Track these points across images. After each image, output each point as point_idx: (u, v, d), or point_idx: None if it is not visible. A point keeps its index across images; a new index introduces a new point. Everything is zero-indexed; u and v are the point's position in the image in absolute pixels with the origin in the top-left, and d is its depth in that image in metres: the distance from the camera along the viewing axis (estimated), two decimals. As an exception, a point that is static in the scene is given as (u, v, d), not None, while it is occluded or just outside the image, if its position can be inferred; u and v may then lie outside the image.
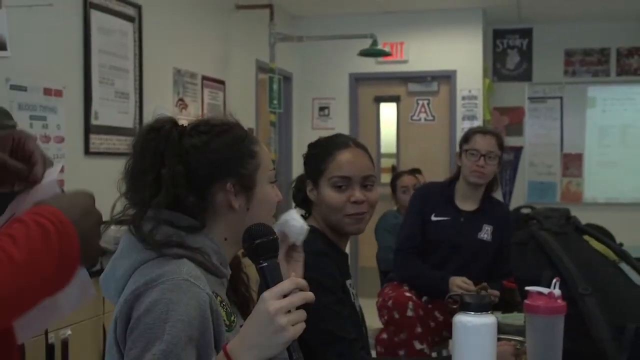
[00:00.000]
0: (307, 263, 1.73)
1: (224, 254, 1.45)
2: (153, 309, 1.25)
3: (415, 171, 5.47)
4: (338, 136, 2.15)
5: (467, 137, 3.40)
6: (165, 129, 1.44)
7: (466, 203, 3.38)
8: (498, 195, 8.16)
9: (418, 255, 3.36)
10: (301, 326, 1.24)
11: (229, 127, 1.48)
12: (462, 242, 3.31)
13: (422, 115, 7.98)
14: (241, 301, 1.58)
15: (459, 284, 3.13)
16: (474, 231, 3.32)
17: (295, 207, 2.17)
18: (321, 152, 2.08)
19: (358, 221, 2.04)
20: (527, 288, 1.57)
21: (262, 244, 1.30)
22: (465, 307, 1.40)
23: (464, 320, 1.40)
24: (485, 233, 3.32)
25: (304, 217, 2.13)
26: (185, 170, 1.40)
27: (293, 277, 1.29)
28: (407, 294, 3.22)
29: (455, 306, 1.51)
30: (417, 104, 7.98)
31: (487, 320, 1.39)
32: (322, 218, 2.07)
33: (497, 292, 3.00)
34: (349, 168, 2.03)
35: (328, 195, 2.03)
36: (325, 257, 1.98)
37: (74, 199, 1.01)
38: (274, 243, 1.32)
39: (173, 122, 1.47)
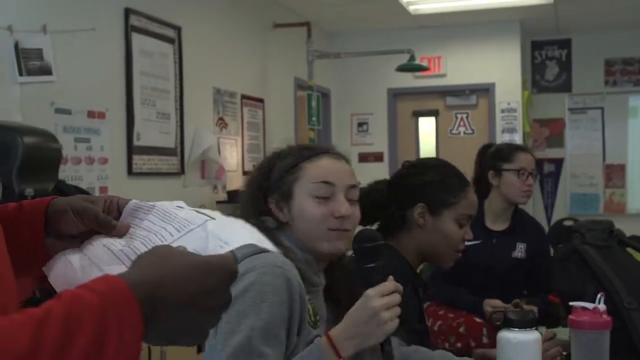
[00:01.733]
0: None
1: (313, 262, 1.55)
2: (250, 289, 1.38)
3: None
4: (456, 169, 2.13)
5: (508, 155, 3.23)
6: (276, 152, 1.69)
7: (497, 223, 3.26)
8: (540, 207, 8.09)
9: (453, 279, 3.25)
10: (397, 321, 1.37)
11: (284, 152, 1.66)
12: (496, 264, 3.21)
13: (461, 129, 7.93)
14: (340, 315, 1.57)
15: (493, 304, 3.05)
16: (507, 251, 3.21)
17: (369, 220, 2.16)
18: (454, 183, 2.06)
19: (457, 257, 2.08)
20: (571, 303, 1.55)
21: (368, 248, 1.44)
22: (509, 324, 1.39)
23: (509, 337, 1.39)
24: (519, 251, 3.22)
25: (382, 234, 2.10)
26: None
27: (392, 280, 1.43)
28: (478, 319, 3.08)
29: (499, 322, 1.50)
30: (456, 117, 7.93)
31: (531, 336, 1.38)
32: (421, 244, 2.05)
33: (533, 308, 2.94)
34: (475, 208, 2.07)
35: (451, 231, 2.02)
36: (411, 287, 1.97)
37: (178, 272, 0.74)
38: (379, 248, 1.45)
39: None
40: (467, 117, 7.90)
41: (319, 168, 1.59)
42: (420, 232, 2.04)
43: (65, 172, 3.77)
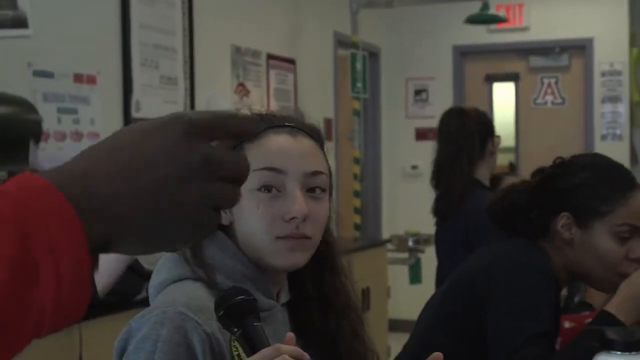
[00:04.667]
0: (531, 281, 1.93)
1: (259, 278, 1.45)
2: (141, 347, 1.32)
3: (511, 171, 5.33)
4: (623, 168, 2.13)
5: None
6: None
7: None
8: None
9: None
10: None
11: None
12: None
13: (549, 98, 7.88)
14: (330, 335, 1.53)
15: None
16: None
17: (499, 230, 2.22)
18: (610, 185, 2.05)
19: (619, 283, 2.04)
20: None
21: (241, 303, 1.25)
22: (609, 346, 1.37)
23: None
24: None
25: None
26: None
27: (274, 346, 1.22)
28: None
29: (595, 344, 1.49)
30: (542, 83, 7.88)
31: (639, 363, 1.36)
32: (570, 262, 2.07)
33: None
34: None
35: (605, 248, 2.00)
36: (554, 284, 2.03)
37: (110, 143, 0.72)
38: (251, 303, 1.27)
39: None
40: (556, 83, 7.84)
41: (263, 149, 1.43)
42: (567, 248, 2.06)
43: (47, 151, 3.80)
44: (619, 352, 1.37)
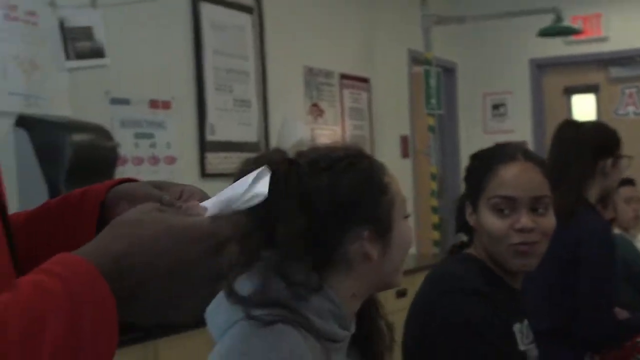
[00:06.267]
0: (454, 305, 1.90)
1: (344, 315, 1.48)
2: None
3: (628, 182, 5.24)
4: (504, 146, 2.19)
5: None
6: (280, 171, 1.43)
7: None
8: None
9: None
10: None
11: (354, 158, 1.50)
12: None
13: (631, 109, 7.76)
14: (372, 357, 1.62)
15: None
16: None
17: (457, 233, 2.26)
18: (480, 165, 2.11)
19: (524, 255, 2.02)
20: None
21: None
22: None
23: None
24: None
25: (465, 245, 2.20)
26: (309, 220, 1.43)
27: None
28: None
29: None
30: (623, 93, 7.78)
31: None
32: (484, 248, 2.10)
33: None
34: (513, 186, 2.02)
35: (487, 221, 2.04)
36: (476, 297, 2.00)
37: (148, 240, 0.81)
38: None
39: (288, 161, 1.48)
40: (637, 92, 7.74)
41: (397, 182, 1.57)
42: (479, 235, 2.10)
43: (125, 175, 3.90)
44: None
